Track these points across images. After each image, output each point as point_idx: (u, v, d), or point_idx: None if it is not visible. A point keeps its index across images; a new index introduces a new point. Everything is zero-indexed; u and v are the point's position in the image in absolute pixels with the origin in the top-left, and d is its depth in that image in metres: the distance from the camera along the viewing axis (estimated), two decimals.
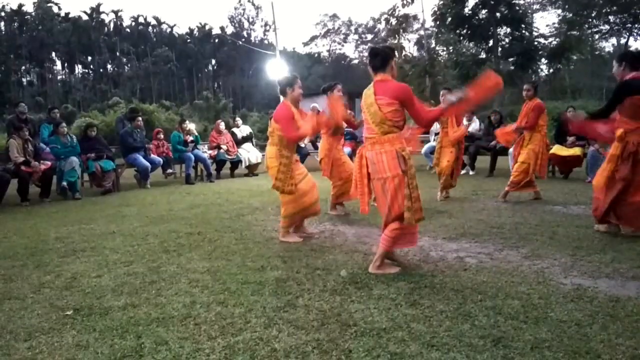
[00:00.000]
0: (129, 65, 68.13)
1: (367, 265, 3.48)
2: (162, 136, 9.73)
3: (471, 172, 9.62)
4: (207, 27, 71.58)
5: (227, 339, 2.32)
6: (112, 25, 69.19)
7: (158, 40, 70.06)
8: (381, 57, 3.27)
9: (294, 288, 3.02)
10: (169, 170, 9.59)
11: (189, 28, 76.88)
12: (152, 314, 2.67)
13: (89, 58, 66.74)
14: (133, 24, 70.96)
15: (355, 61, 59.42)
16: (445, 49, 30.61)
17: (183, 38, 72.30)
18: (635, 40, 30.57)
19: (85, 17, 65.79)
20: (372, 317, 2.56)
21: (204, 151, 10.19)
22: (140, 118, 9.19)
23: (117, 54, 66.70)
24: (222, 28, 71.80)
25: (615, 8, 27.82)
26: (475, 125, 10.07)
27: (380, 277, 3.21)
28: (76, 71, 68.43)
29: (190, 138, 9.54)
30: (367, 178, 3.37)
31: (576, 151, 8.48)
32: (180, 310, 2.71)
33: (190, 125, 10.02)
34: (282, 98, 4.39)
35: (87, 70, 69.06)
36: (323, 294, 2.91)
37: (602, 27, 30.52)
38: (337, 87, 5.19)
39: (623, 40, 32.58)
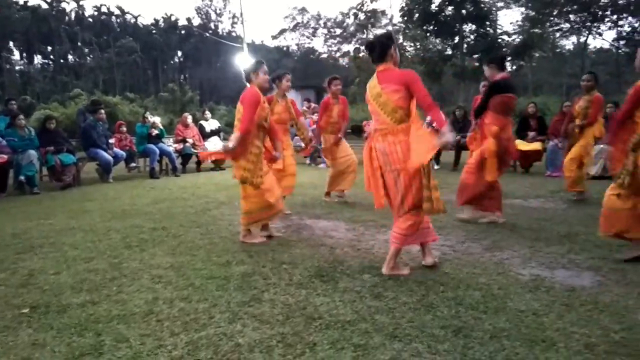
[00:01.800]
0: (91, 55, 65.91)
1: (333, 259, 3.50)
2: (124, 129, 9.48)
3: (436, 167, 9.79)
4: (173, 18, 70.04)
5: (190, 335, 2.30)
6: (73, 14, 66.77)
7: (122, 31, 68.05)
8: (379, 48, 3.20)
9: (260, 282, 3.01)
10: (133, 164, 9.37)
11: (154, 19, 75.03)
12: (112, 311, 2.61)
13: (49, 48, 64.23)
14: (95, 13, 68.66)
15: (324, 55, 59.39)
16: (412, 44, 30.99)
17: (148, 29, 70.49)
18: (594, 38, 31.76)
19: (45, 6, 63.21)
20: (337, 309, 2.58)
21: (169, 145, 9.99)
22: (102, 110, 8.91)
23: (79, 44, 64.45)
24: (188, 19, 70.45)
25: (575, 7, 28.79)
26: None
27: (346, 271, 3.23)
28: (35, 61, 65.76)
29: (155, 131, 9.34)
30: (379, 171, 3.23)
31: (536, 146, 8.74)
32: (142, 306, 2.66)
33: (155, 118, 9.80)
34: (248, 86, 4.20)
35: (47, 61, 66.45)
36: (289, 288, 2.91)
37: (563, 26, 31.52)
38: (285, 77, 5.17)
39: (583, 39, 33.76)
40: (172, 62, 72.15)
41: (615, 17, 29.75)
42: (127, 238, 4.24)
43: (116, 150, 8.81)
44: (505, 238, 4.07)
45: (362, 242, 4.02)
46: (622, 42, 31.09)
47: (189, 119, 10.35)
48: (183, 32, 68.71)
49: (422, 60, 26.99)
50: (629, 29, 30.17)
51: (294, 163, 5.37)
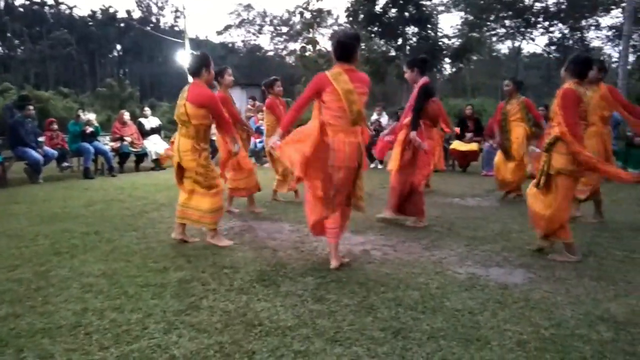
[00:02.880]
0: (22, 47, 61.91)
1: (275, 262, 3.45)
2: (56, 126, 8.94)
3: (379, 166, 9.94)
4: (111, 10, 67.00)
5: (121, 348, 2.18)
6: (2, 3, 62.36)
7: (56, 22, 64.25)
8: (350, 47, 3.23)
9: (198, 289, 2.91)
10: (65, 164, 8.85)
11: (91, 10, 71.45)
12: (36, 324, 2.43)
13: None
14: (27, 3, 64.52)
15: (271, 53, 58.95)
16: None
17: (84, 20, 66.96)
18: (528, 43, 33.52)
19: None
20: (278, 315, 2.54)
21: (105, 143, 9.54)
22: (31, 107, 8.35)
23: (8, 35, 60.32)
24: (128, 12, 67.83)
25: (510, 13, 30.24)
26: (384, 120, 10.43)
27: (288, 274, 3.20)
28: None
29: (90, 129, 8.88)
30: (319, 162, 3.24)
31: (473, 146, 9.10)
32: (70, 318, 2.50)
33: (90, 115, 9.31)
34: (190, 80, 3.97)
35: None
36: (229, 294, 2.83)
37: (499, 30, 33.05)
38: (227, 72, 5.08)
39: (517, 43, 35.56)
40: (110, 56, 69.02)
41: (547, 23, 31.51)
42: (57, 244, 3.98)
43: (47, 148, 8.29)
44: (444, 237, 4.19)
45: (305, 243, 3.99)
46: (552, 48, 32.96)
47: (127, 116, 9.91)
48: (122, 25, 65.90)
49: (367, 60, 27.35)
50: (559, 35, 32.07)
51: (250, 162, 5.40)
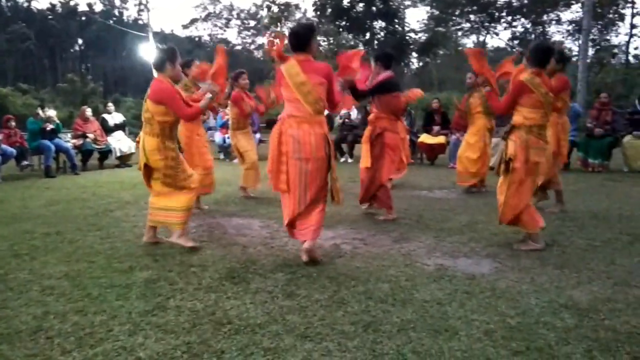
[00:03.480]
0: None
1: (245, 259, 3.41)
2: (13, 123, 8.57)
3: (350, 160, 9.97)
4: (72, 3, 64.75)
5: (84, 352, 2.10)
6: None
7: (13, 16, 61.61)
8: (302, 37, 3.24)
9: (165, 289, 2.84)
10: (25, 162, 8.52)
11: (50, 3, 68.45)
12: None
13: None
14: None
15: (239, 47, 58.23)
16: (325, 39, 31.35)
17: (43, 14, 64.46)
18: (492, 38, 34.22)
19: None
20: (248, 312, 2.50)
21: (67, 140, 9.23)
22: None
23: None
24: (89, 5, 65.44)
25: (475, 8, 30.77)
26: (354, 114, 10.45)
27: (258, 270, 3.16)
28: None
29: (50, 126, 8.57)
30: (285, 157, 3.25)
31: (440, 139, 9.22)
32: (30, 323, 2.40)
33: (50, 112, 8.98)
34: (155, 74, 3.73)
35: None
36: (197, 293, 2.78)
37: (464, 25, 33.61)
38: (194, 63, 5.08)
39: (482, 38, 36.25)
40: (72, 50, 66.76)
41: (510, 18, 32.26)
42: (16, 245, 3.82)
43: (4, 147, 7.95)
44: (413, 229, 4.23)
45: (275, 239, 3.96)
46: (516, 42, 33.75)
47: (89, 112, 9.61)
48: (84, 18, 63.80)
49: (335, 55, 27.43)
50: (522, 30, 32.90)
51: (212, 158, 5.27)
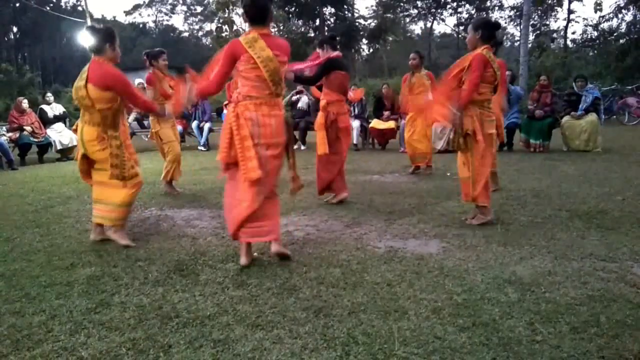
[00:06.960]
0: None
1: (195, 250, 3.33)
2: None
3: (302, 147, 9.94)
4: None
5: (21, 355, 1.99)
6: None
7: None
8: (263, 9, 2.90)
9: (109, 285, 2.73)
10: None
11: None
12: None
13: None
14: None
15: (186, 34, 56.59)
16: (275, 25, 31.00)
17: None
18: (439, 24, 34.92)
19: None
20: (197, 304, 2.44)
21: (2, 134, 8.70)
22: None
23: None
24: None
25: None
26: (304, 100, 10.40)
27: (208, 262, 3.10)
28: None
29: None
30: (250, 140, 2.87)
31: (391, 124, 9.35)
32: None
33: None
34: (93, 57, 3.43)
35: None
36: (143, 287, 2.69)
37: (411, 11, 34.13)
38: (162, 57, 5.03)
39: (429, 24, 36.92)
40: (6, 39, 62.73)
41: (455, 4, 33.00)
42: None
43: None
44: (364, 213, 4.27)
45: (226, 229, 3.88)
46: (461, 28, 34.61)
47: (25, 103, 9.09)
48: (17, 5, 59.94)
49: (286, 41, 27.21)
50: (467, 16, 33.74)
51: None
